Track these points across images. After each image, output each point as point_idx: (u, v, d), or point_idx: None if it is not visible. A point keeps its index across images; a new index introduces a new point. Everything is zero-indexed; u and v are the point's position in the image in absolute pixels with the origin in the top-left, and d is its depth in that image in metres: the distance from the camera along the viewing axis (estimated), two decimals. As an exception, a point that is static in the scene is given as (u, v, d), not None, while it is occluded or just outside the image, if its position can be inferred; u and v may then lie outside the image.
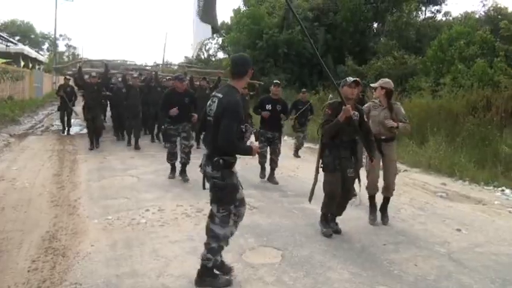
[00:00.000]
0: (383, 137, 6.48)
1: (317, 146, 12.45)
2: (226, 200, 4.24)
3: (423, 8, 32.21)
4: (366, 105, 6.79)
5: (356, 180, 6.00)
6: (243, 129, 4.24)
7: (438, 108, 14.86)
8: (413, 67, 22.56)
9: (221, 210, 4.23)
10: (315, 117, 13.03)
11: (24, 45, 44.83)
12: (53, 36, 58.17)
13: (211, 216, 4.34)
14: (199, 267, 4.31)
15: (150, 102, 13.47)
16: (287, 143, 14.71)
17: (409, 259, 5.27)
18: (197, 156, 6.65)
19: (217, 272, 4.36)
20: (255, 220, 6.43)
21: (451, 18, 31.02)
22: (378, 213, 6.73)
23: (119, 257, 4.98)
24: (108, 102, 15.10)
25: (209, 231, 4.32)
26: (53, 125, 18.50)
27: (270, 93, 9.66)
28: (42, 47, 74.13)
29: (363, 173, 6.47)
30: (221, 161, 4.14)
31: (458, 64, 18.92)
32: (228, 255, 4.88)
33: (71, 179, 8.89)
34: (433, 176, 10.51)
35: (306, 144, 13.83)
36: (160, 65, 18.46)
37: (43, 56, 54.94)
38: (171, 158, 9.26)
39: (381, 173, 6.67)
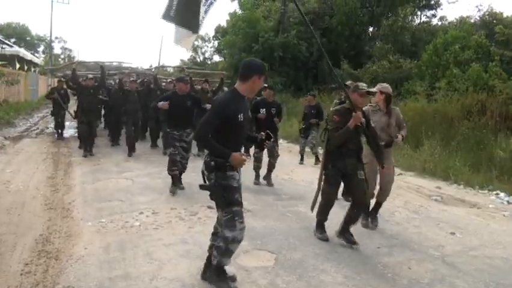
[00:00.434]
0: (383, 143, 6.25)
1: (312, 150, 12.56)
2: (221, 202, 4.14)
3: (419, 13, 32.28)
4: (364, 108, 6.66)
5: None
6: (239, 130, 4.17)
7: (433, 112, 14.89)
8: (408, 71, 22.58)
9: (224, 214, 4.14)
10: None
11: (20, 47, 44.84)
12: (48, 39, 58.03)
13: (218, 219, 4.34)
14: (192, 269, 4.31)
15: (149, 106, 12.57)
16: (283, 145, 14.67)
17: (403, 262, 5.27)
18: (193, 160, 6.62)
19: (224, 274, 4.31)
20: (249, 223, 6.36)
21: (446, 22, 31.09)
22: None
23: (113, 260, 4.96)
24: (103, 107, 14.81)
25: (219, 233, 4.25)
26: (48, 128, 18.38)
27: (264, 95, 9.57)
28: (38, 49, 74.08)
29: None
30: (212, 162, 4.10)
31: (453, 68, 18.94)
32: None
33: (65, 181, 8.86)
34: (428, 180, 10.52)
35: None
36: (153, 69, 17.92)
37: (39, 59, 54.93)
38: (172, 167, 8.23)
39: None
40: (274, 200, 8.00)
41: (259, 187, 9.06)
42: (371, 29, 31.32)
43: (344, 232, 5.77)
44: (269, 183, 9.25)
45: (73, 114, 13.68)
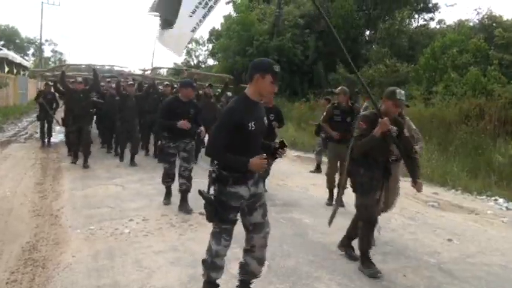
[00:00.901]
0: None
1: (308, 155, 12.52)
2: (209, 215, 3.92)
3: (416, 16, 32.33)
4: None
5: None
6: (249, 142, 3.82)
7: (431, 117, 14.84)
8: (405, 75, 22.58)
9: (213, 225, 3.99)
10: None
11: (9, 50, 44.58)
12: (38, 41, 58.00)
13: None
14: (183, 276, 4.22)
15: (146, 111, 12.10)
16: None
17: (398, 270, 5.18)
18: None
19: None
20: (242, 230, 6.29)
21: (444, 26, 31.13)
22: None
23: (101, 268, 4.87)
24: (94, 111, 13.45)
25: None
26: (37, 132, 18.07)
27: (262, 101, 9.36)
28: (28, 52, 73.26)
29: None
30: (213, 174, 3.84)
31: (451, 72, 18.91)
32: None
33: (54, 187, 8.73)
34: (425, 185, 10.25)
35: (295, 153, 13.74)
36: (149, 71, 17.61)
37: (28, 62, 54.49)
38: (167, 179, 7.76)
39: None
40: (268, 206, 7.85)
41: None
42: (367, 32, 31.37)
43: (345, 246, 5.53)
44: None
45: (60, 121, 12.95)
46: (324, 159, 9.99)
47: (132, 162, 11.36)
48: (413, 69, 22.52)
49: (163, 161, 7.95)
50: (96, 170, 10.58)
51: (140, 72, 18.17)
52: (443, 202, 8.93)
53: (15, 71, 37.35)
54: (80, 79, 12.04)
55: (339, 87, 8.22)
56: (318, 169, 11.61)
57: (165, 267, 4.94)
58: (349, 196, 6.05)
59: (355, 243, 5.37)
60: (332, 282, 4.72)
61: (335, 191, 7.92)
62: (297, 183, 10.09)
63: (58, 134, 16.18)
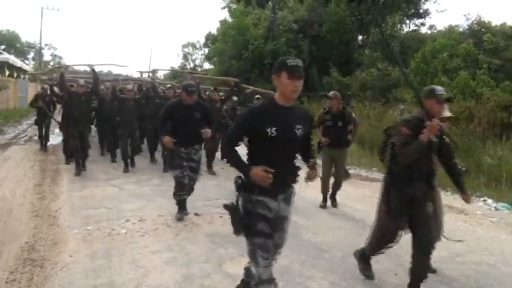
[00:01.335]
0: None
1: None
2: (235, 226, 3.50)
3: (408, 21, 32.58)
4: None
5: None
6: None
7: (422, 119, 14.92)
8: (397, 79, 22.72)
9: (247, 243, 3.52)
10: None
11: (10, 54, 44.58)
12: (38, 46, 57.90)
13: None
14: (178, 276, 4.28)
15: (147, 116, 11.49)
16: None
17: (389, 269, 5.27)
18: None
19: None
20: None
21: (435, 31, 31.37)
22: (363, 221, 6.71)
23: (98, 268, 4.94)
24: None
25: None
26: (36, 135, 18.21)
27: None
28: (28, 56, 73.60)
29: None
30: (239, 180, 3.47)
31: (441, 76, 19.10)
32: (207, 266, 4.89)
33: (52, 189, 8.81)
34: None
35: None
36: (149, 74, 17.50)
37: (28, 66, 54.59)
38: (180, 192, 6.95)
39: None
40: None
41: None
42: (360, 37, 31.54)
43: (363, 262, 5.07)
44: None
45: (57, 121, 12.60)
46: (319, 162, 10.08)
47: (128, 166, 10.81)
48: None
49: (173, 166, 7.02)
50: (94, 171, 10.63)
51: (138, 75, 17.93)
52: (434, 203, 9.02)
53: (15, 74, 37.33)
54: (82, 82, 11.17)
55: (332, 92, 8.27)
56: None
57: (160, 266, 5.00)
58: (343, 196, 6.18)
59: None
60: (324, 281, 4.79)
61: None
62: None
63: (57, 137, 15.55)
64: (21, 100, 32.80)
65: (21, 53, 68.83)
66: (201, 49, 47.36)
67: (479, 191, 9.83)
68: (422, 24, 33.05)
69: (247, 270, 3.63)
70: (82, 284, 4.53)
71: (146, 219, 6.79)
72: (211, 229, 6.40)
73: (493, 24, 25.97)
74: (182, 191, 6.92)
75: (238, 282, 4.35)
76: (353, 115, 7.84)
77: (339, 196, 8.20)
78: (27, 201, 7.80)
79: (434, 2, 34.42)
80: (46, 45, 73.01)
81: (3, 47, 56.99)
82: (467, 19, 28.22)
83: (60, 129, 12.16)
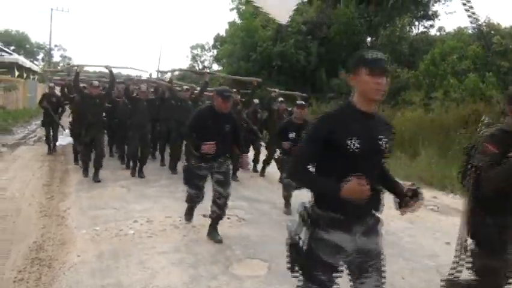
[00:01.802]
0: None
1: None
2: (290, 263, 2.85)
3: (417, 23, 32.44)
4: None
5: None
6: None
7: (430, 122, 14.90)
8: (406, 81, 22.64)
9: (300, 284, 2.87)
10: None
11: (19, 55, 44.84)
12: (48, 47, 58.21)
13: None
14: (185, 277, 4.29)
15: (161, 119, 11.12)
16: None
17: (396, 272, 5.22)
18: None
19: None
20: (243, 232, 6.42)
21: (444, 33, 31.22)
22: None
23: (106, 268, 4.95)
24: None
25: None
26: (45, 135, 18.27)
27: (293, 115, 8.02)
28: (38, 57, 73.85)
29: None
30: (304, 211, 2.80)
31: (450, 78, 19.01)
32: (214, 267, 4.90)
33: (61, 189, 8.87)
34: (424, 190, 10.34)
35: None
36: (167, 74, 17.24)
37: (38, 66, 54.87)
38: (191, 202, 6.56)
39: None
40: (270, 209, 7.97)
41: (255, 196, 8.94)
42: (369, 38, 31.44)
43: None
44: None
45: (66, 126, 12.22)
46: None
47: (140, 174, 10.16)
48: (413, 75, 22.58)
49: (190, 184, 6.35)
50: (102, 171, 10.32)
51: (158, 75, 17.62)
52: (442, 206, 8.97)
53: (25, 75, 37.55)
54: (96, 83, 10.45)
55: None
56: None
57: (168, 267, 5.00)
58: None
59: None
60: None
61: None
62: (298, 187, 10.15)
63: (66, 137, 15.13)
64: (30, 100, 33.01)
65: (30, 54, 69.10)
66: (210, 50, 47.38)
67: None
68: (431, 26, 32.85)
69: None
70: (90, 284, 4.55)
71: (154, 220, 6.79)
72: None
73: (502, 26, 25.78)
74: (193, 202, 6.53)
75: (245, 283, 4.37)
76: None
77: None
78: (36, 201, 7.85)
79: (443, 4, 34.23)
80: (56, 46, 73.44)
81: (12, 47, 57.23)
82: (477, 21, 28.08)
83: (71, 134, 11.66)
